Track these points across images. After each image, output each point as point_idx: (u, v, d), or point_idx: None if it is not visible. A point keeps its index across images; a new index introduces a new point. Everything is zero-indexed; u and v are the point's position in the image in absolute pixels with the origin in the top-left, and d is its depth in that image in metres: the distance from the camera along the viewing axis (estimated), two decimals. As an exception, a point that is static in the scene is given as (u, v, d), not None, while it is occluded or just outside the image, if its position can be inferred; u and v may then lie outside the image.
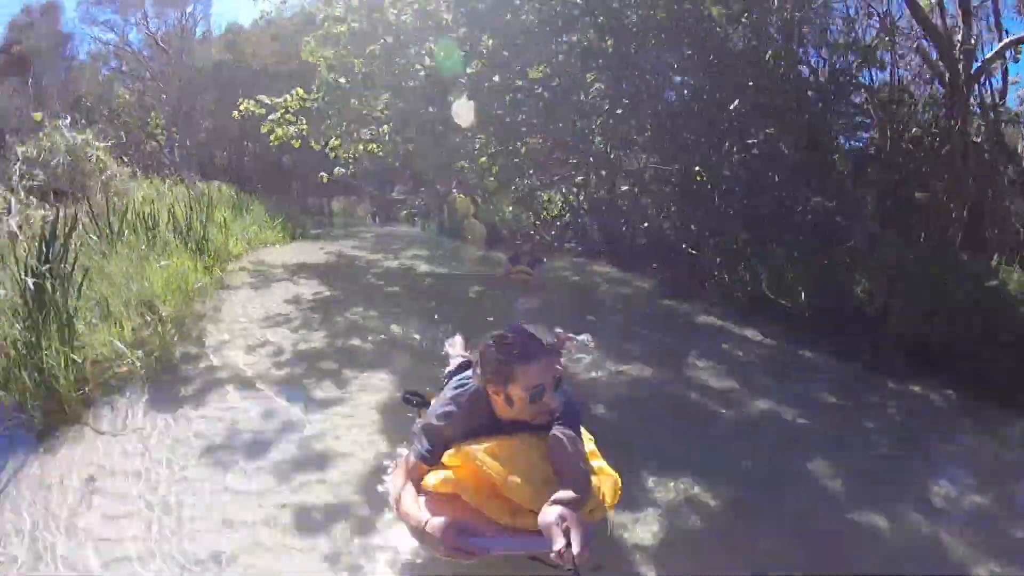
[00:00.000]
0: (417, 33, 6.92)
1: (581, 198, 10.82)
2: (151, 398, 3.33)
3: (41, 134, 11.14)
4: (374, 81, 7.45)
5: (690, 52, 7.08)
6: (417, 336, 4.94)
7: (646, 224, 9.07)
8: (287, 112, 8.93)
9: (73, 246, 4.19)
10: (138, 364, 3.62)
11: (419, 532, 1.82)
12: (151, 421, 3.08)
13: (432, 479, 1.91)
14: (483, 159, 8.83)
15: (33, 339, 3.16)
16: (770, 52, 6.71)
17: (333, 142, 9.36)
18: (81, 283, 3.75)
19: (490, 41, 6.74)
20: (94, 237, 5.67)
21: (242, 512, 2.34)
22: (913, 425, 3.75)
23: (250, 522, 2.30)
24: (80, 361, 3.27)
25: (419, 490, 1.93)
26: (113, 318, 3.94)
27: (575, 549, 1.43)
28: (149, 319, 4.38)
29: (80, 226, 5.29)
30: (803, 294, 6.04)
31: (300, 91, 8.79)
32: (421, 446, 2.02)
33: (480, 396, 2.05)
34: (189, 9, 24.31)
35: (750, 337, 5.62)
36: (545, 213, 11.64)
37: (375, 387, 3.74)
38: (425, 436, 2.04)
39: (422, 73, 6.93)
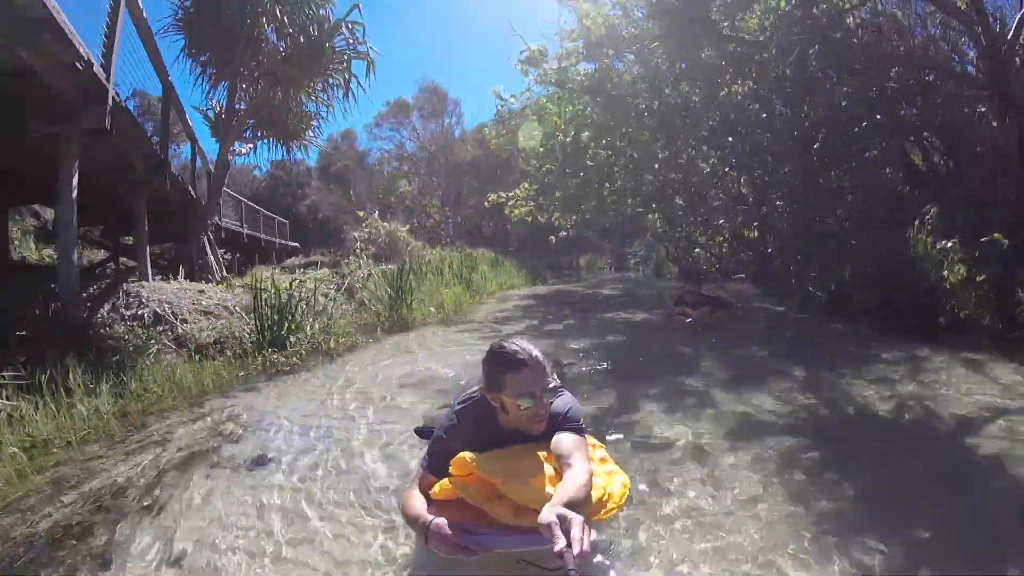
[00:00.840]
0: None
1: (727, 236, 13.92)
2: (442, 325, 8.25)
3: (365, 224, 17.86)
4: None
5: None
6: (567, 314, 9.23)
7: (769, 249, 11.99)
8: (518, 199, 13.97)
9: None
10: (437, 318, 8.62)
11: (423, 533, 1.89)
12: (440, 328, 7.91)
13: (437, 487, 2.08)
14: (650, 216, 12.90)
15: (394, 309, 8.23)
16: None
17: (555, 215, 14.15)
18: (412, 291, 8.80)
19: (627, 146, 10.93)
20: (412, 277, 11.05)
21: (475, 347, 6.64)
22: (819, 341, 6.72)
23: (476, 343, 6.63)
24: (413, 317, 8.30)
25: (429, 500, 2.06)
26: (425, 305, 8.99)
27: (575, 549, 1.45)
28: (441, 309, 9.39)
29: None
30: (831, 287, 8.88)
31: (526, 185, 13.79)
32: (428, 457, 2.23)
33: (485, 407, 2.25)
34: (447, 121, 32.10)
35: (778, 312, 8.86)
36: (717, 249, 14.88)
37: (540, 324, 8.15)
38: (432, 448, 2.26)
39: (581, 174, 11.39)
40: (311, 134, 13.02)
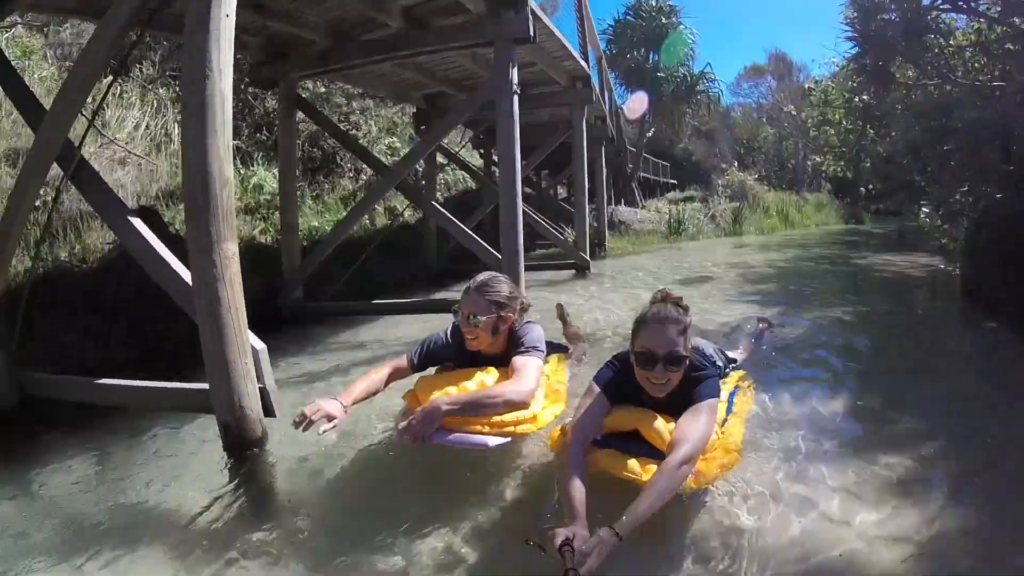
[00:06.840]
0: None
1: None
2: (759, 236, 16.08)
3: (726, 174, 24.97)
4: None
5: None
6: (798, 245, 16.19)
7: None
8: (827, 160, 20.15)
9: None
10: (756, 234, 16.56)
11: (408, 413, 2.34)
12: (756, 237, 15.73)
13: (409, 394, 2.53)
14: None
15: (733, 226, 16.33)
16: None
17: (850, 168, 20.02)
18: (743, 220, 16.64)
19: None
20: (747, 211, 18.60)
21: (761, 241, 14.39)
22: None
23: (765, 240, 14.38)
24: (743, 231, 16.36)
25: (389, 378, 2.55)
26: (751, 227, 16.85)
27: (582, 571, 1.48)
28: (761, 231, 17.09)
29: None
30: None
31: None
32: (417, 350, 2.65)
33: (456, 329, 2.62)
34: (795, 81, 35.66)
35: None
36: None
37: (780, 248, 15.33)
38: (420, 346, 2.67)
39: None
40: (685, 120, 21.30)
